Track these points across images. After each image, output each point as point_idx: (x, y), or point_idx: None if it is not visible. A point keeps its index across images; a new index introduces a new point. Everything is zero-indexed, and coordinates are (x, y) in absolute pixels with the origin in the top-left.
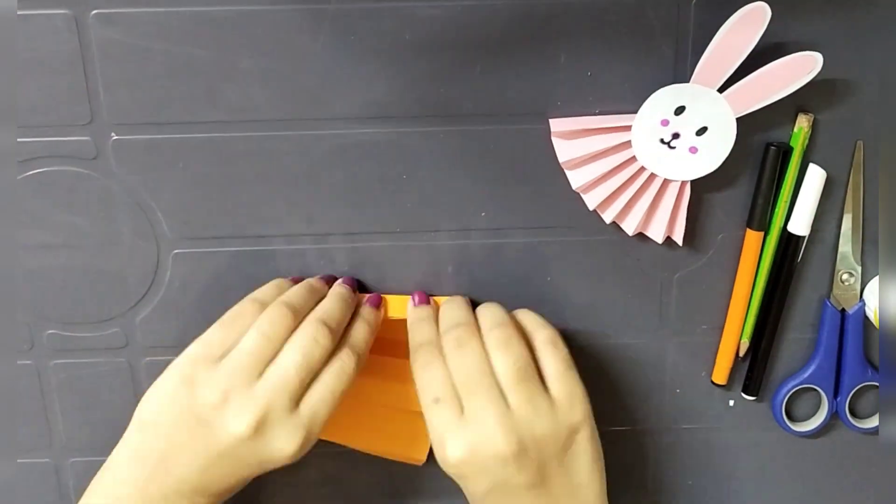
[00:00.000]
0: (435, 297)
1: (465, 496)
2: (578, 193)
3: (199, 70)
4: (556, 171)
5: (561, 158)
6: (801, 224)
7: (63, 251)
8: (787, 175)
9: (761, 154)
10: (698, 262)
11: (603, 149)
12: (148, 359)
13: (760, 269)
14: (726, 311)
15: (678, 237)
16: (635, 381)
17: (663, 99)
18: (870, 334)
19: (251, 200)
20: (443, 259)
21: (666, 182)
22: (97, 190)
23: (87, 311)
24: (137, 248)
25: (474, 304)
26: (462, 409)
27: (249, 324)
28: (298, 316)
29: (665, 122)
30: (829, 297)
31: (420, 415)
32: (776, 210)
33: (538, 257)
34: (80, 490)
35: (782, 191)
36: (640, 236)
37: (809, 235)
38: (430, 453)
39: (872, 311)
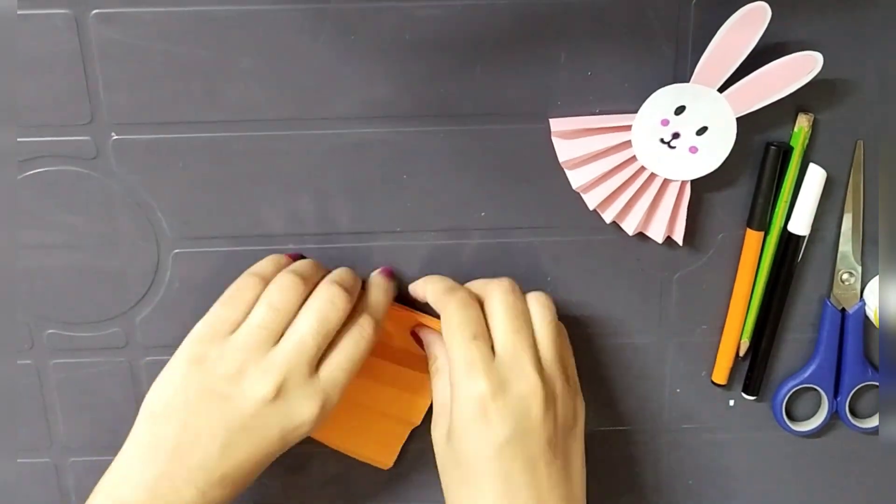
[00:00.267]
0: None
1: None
2: (578, 193)
3: (199, 70)
4: (556, 171)
5: (561, 158)
6: (801, 224)
7: (63, 251)
8: (787, 175)
9: (761, 154)
10: (698, 262)
11: (603, 149)
12: (148, 359)
13: (760, 269)
14: (726, 311)
15: (678, 237)
16: (635, 381)
17: (663, 99)
18: (870, 334)
19: (251, 200)
20: (443, 259)
21: (666, 182)
22: (97, 190)
23: (87, 311)
24: (137, 248)
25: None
26: (494, 353)
27: (252, 298)
28: (308, 284)
29: (665, 122)
30: (829, 297)
31: (394, 419)
32: (776, 210)
33: (538, 257)
34: (80, 490)
35: (782, 191)
36: (640, 236)
37: (809, 235)
38: (398, 460)
39: (872, 311)
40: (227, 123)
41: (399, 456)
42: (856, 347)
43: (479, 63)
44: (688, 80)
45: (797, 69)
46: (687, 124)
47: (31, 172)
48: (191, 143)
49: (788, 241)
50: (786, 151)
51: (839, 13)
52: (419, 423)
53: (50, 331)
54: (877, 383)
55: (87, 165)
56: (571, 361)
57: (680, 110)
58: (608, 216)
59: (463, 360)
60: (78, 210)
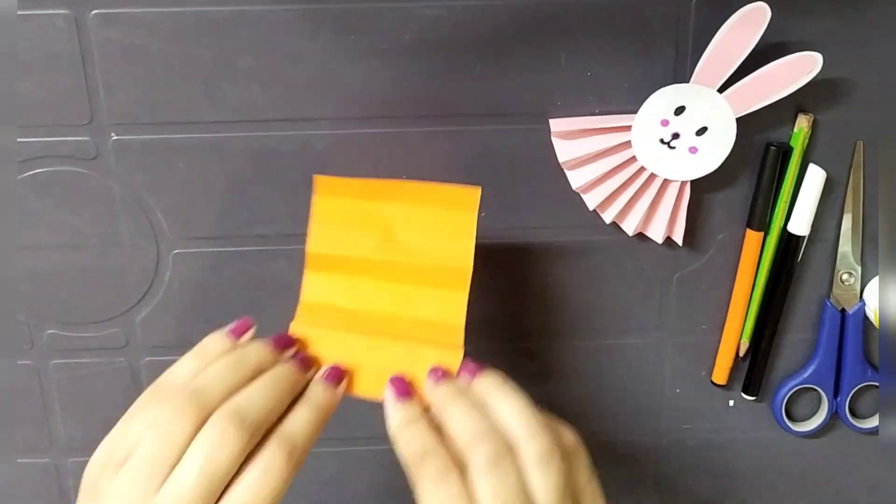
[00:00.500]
0: (414, 380)
1: None
2: (578, 193)
3: (199, 70)
4: (556, 171)
5: (561, 159)
6: (801, 224)
7: (63, 251)
8: (787, 175)
9: (761, 154)
10: (698, 262)
11: (603, 149)
12: (148, 359)
13: (760, 269)
14: (726, 311)
15: (678, 237)
16: (635, 381)
17: (663, 99)
18: (870, 334)
19: (251, 200)
20: None
21: (666, 182)
22: (97, 190)
23: (87, 311)
24: (137, 248)
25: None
26: None
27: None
28: (206, 408)
29: (665, 123)
30: (829, 297)
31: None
32: (776, 210)
33: (538, 257)
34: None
35: (782, 191)
36: (640, 236)
37: (809, 235)
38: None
39: (872, 311)
40: (227, 123)
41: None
42: (856, 348)
43: (479, 63)
44: (688, 81)
45: (797, 69)
46: (687, 124)
47: (31, 172)
48: (191, 143)
49: (788, 242)
50: (786, 152)
51: (839, 13)
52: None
53: (50, 331)
54: (877, 383)
55: (87, 166)
56: (586, 483)
57: (680, 110)
58: (608, 216)
59: None
60: (78, 210)
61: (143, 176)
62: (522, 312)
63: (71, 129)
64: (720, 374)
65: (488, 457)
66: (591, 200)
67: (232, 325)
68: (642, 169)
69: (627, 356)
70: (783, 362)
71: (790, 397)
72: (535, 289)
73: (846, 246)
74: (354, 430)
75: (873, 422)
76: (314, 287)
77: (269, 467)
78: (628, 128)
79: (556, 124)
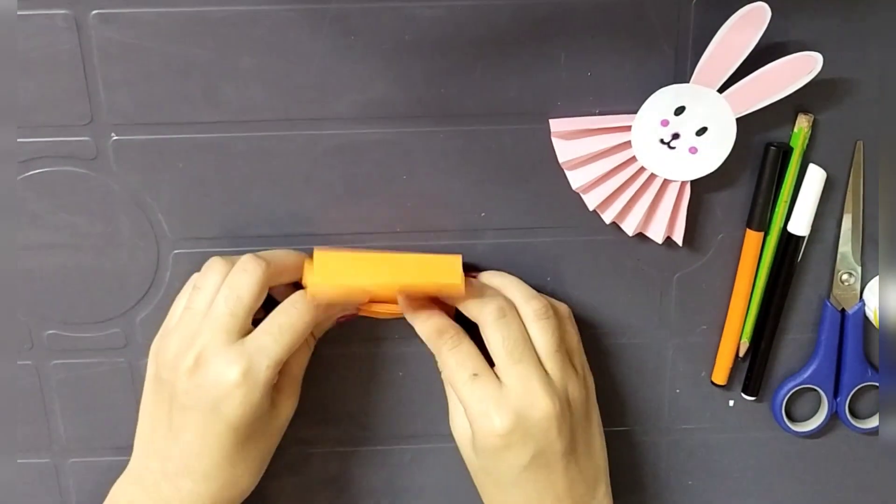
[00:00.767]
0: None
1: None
2: (578, 193)
3: (199, 70)
4: (556, 172)
5: (561, 159)
6: (801, 224)
7: (63, 251)
8: (787, 175)
9: (761, 154)
10: (698, 262)
11: (603, 149)
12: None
13: (760, 269)
14: (726, 311)
15: (678, 237)
16: (635, 381)
17: (663, 99)
18: (870, 334)
19: (251, 200)
20: None
21: (666, 182)
22: (97, 190)
23: (87, 311)
24: (137, 248)
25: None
26: (499, 381)
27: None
28: (231, 262)
29: (665, 123)
30: (829, 297)
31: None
32: (776, 210)
33: (538, 257)
34: (80, 490)
35: (782, 191)
36: (640, 236)
37: (809, 235)
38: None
39: (872, 311)
40: (226, 123)
41: (397, 456)
42: (855, 348)
43: (479, 63)
44: (688, 81)
45: (797, 69)
46: (687, 125)
47: (31, 173)
48: (190, 143)
49: (788, 242)
50: (786, 152)
51: (839, 13)
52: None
53: (50, 331)
54: (876, 383)
55: (87, 166)
56: (577, 346)
57: (680, 111)
58: (608, 216)
59: (471, 401)
60: (78, 210)
61: (143, 176)
62: None
63: (71, 129)
64: (720, 374)
65: (495, 312)
66: (591, 200)
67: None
68: (642, 169)
69: (627, 356)
70: (783, 362)
71: (790, 397)
72: (536, 289)
73: (846, 246)
74: (354, 430)
75: (873, 422)
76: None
77: (294, 304)
78: (628, 128)
79: (556, 124)
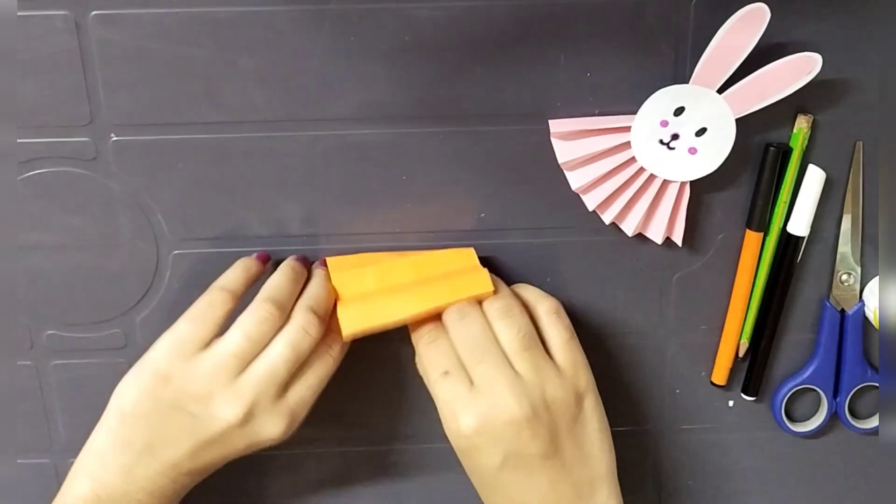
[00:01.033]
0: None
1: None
2: (578, 194)
3: (199, 70)
4: (556, 172)
5: (560, 159)
6: (800, 224)
7: (63, 251)
8: (786, 175)
9: (761, 154)
10: (698, 262)
11: (602, 150)
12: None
13: (760, 270)
14: (726, 312)
15: (678, 238)
16: (635, 381)
17: (663, 100)
18: (869, 334)
19: (251, 200)
20: None
21: (665, 183)
22: (97, 190)
23: (87, 311)
24: (137, 248)
25: None
26: (471, 381)
27: (220, 315)
28: (284, 311)
29: (664, 123)
30: (828, 298)
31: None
32: (776, 210)
33: (538, 258)
34: None
35: (782, 191)
36: (640, 237)
37: (809, 236)
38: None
39: (872, 312)
40: (226, 124)
41: (397, 456)
42: (855, 348)
43: (479, 64)
44: (687, 81)
45: (796, 70)
46: (686, 125)
47: (32, 173)
48: (191, 144)
49: (788, 242)
50: (785, 152)
51: (839, 13)
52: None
53: (50, 331)
54: (876, 384)
55: (87, 166)
56: (565, 343)
57: (679, 111)
58: (607, 217)
59: (440, 399)
60: (78, 210)
61: (143, 176)
62: None
63: (71, 129)
64: (720, 375)
65: (454, 314)
66: (591, 201)
67: (256, 254)
68: (642, 169)
69: (627, 356)
70: (783, 362)
71: (790, 397)
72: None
73: (846, 246)
74: (354, 430)
75: (873, 422)
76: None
77: (332, 352)
78: (628, 128)
79: (556, 125)
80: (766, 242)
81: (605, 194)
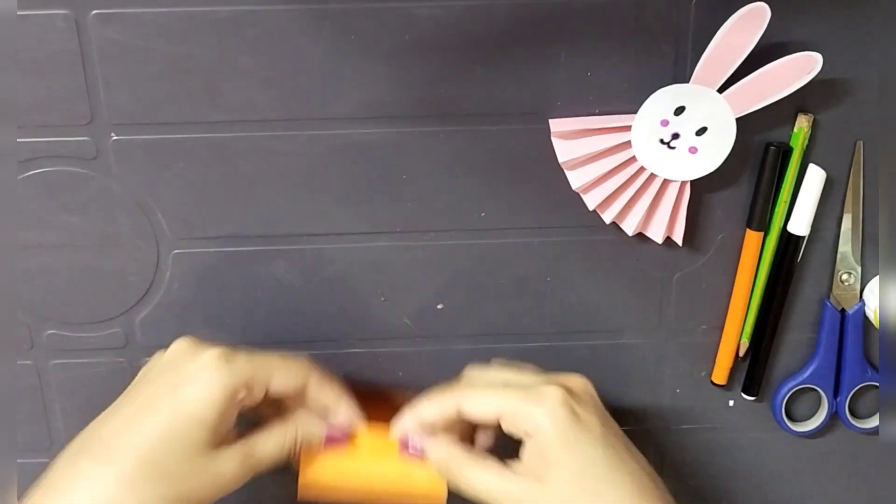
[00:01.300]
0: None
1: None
2: (578, 193)
3: (199, 70)
4: (556, 171)
5: (561, 159)
6: (800, 224)
7: (63, 251)
8: (786, 175)
9: (761, 154)
10: (698, 262)
11: (603, 149)
12: (147, 359)
13: (760, 269)
14: (726, 311)
15: (678, 237)
16: (635, 381)
17: (663, 99)
18: (870, 334)
19: (251, 200)
20: (443, 259)
21: (666, 182)
22: (97, 190)
23: (87, 311)
24: (137, 248)
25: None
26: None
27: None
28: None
29: (665, 123)
30: (828, 297)
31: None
32: (776, 210)
33: (538, 257)
34: None
35: (782, 191)
36: (640, 236)
37: (809, 235)
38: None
39: (872, 311)
40: (227, 123)
41: None
42: (855, 348)
43: (479, 63)
44: (687, 81)
45: (797, 69)
46: (686, 125)
47: (31, 173)
48: (191, 143)
49: (788, 242)
50: (785, 152)
51: (839, 13)
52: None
53: (50, 331)
54: (877, 383)
55: (87, 166)
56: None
57: (679, 111)
58: (608, 216)
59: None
60: (78, 210)
61: (143, 176)
62: (522, 313)
63: (71, 129)
64: (720, 374)
65: None
66: (591, 200)
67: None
68: (642, 169)
69: (627, 356)
70: (783, 362)
71: (790, 397)
72: (536, 289)
73: (846, 246)
74: None
75: (873, 422)
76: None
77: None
78: (628, 128)
79: (556, 124)
80: (767, 242)
81: (605, 193)
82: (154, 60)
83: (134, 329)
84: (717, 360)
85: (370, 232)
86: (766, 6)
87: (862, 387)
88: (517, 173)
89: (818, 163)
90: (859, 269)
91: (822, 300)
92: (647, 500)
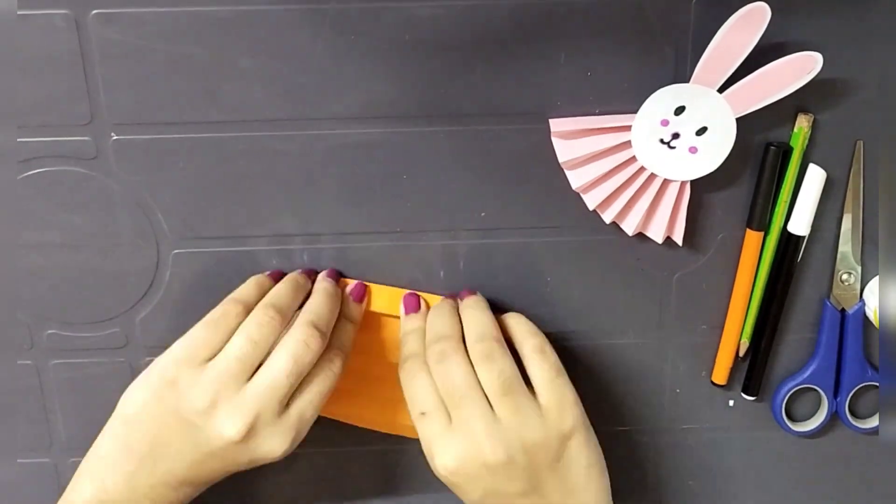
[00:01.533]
0: (425, 296)
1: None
2: (578, 193)
3: (199, 70)
4: (556, 171)
5: (561, 158)
6: (801, 224)
7: (63, 251)
8: (787, 175)
9: (761, 154)
10: (698, 262)
11: (603, 149)
12: (148, 359)
13: (760, 269)
14: (726, 311)
15: (678, 237)
16: (635, 381)
17: (663, 99)
18: (870, 334)
19: (251, 200)
20: (443, 259)
21: (666, 182)
22: (97, 190)
23: (87, 311)
24: (137, 248)
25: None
26: (450, 418)
27: (233, 326)
28: (286, 317)
29: (665, 122)
30: (828, 297)
31: None
32: (776, 210)
33: (538, 257)
34: None
35: (782, 191)
36: (640, 236)
37: (809, 235)
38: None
39: (872, 311)
40: (227, 123)
41: (395, 456)
42: (855, 347)
43: (479, 63)
44: (688, 81)
45: (797, 69)
46: (687, 124)
47: (31, 173)
48: (191, 143)
49: (788, 242)
50: (785, 152)
51: (839, 13)
52: None
53: (50, 331)
54: (877, 383)
55: (87, 166)
56: (550, 380)
57: (680, 110)
58: (608, 216)
59: (420, 435)
60: (78, 210)
61: (143, 176)
62: (522, 312)
63: (71, 129)
64: (720, 374)
65: (434, 356)
66: (591, 200)
67: (269, 272)
68: (642, 169)
69: (627, 356)
70: (783, 362)
71: (790, 397)
72: (536, 289)
73: (846, 246)
74: (354, 430)
75: (873, 422)
76: None
77: (332, 367)
78: (628, 128)
79: (556, 124)
80: (767, 242)
81: (605, 193)
82: (154, 60)
83: (134, 329)
84: (717, 360)
85: (370, 232)
86: (766, 6)
87: (862, 387)
88: (517, 173)
89: (818, 163)
90: (859, 269)
91: (822, 300)
92: None
